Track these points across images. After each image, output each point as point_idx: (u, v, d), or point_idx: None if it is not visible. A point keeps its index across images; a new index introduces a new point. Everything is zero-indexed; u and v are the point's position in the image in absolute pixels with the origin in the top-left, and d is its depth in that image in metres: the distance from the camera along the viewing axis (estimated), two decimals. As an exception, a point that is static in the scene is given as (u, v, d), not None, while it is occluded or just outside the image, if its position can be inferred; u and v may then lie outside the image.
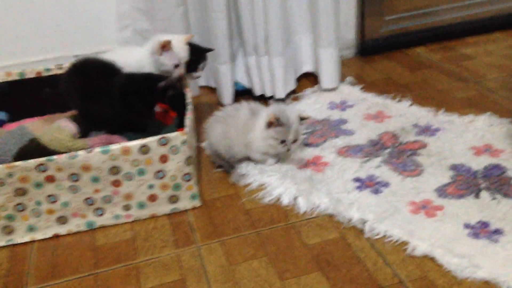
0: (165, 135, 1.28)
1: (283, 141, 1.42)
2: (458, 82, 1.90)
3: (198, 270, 1.18)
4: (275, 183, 1.44)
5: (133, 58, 1.50)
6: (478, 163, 1.41)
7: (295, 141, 1.43)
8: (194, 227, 1.32)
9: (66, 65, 1.59)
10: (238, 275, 1.16)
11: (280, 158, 1.52)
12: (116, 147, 1.26)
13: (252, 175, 1.49)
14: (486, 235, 1.16)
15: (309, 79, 2.05)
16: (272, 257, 1.20)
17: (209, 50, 1.69)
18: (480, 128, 1.57)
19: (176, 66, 1.53)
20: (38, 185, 1.26)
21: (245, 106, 1.53)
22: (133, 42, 1.93)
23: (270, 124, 1.41)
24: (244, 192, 1.44)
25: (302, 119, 1.44)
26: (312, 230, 1.27)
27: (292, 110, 1.46)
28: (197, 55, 1.61)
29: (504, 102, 1.72)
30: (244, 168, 1.52)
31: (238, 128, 1.48)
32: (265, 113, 1.44)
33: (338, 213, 1.30)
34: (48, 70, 1.70)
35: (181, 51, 1.55)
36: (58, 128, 1.36)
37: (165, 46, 1.49)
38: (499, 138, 1.51)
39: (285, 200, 1.38)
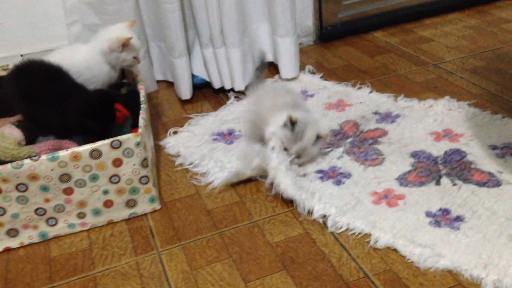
0: (117, 138, 1.22)
1: (286, 149, 1.34)
2: (417, 66, 1.90)
3: (159, 277, 1.14)
4: (237, 180, 1.40)
5: (79, 58, 1.43)
6: (438, 149, 1.41)
7: (299, 156, 1.36)
8: (154, 232, 1.27)
9: (12, 66, 1.49)
10: (201, 280, 1.12)
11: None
12: (64, 153, 1.19)
13: (213, 173, 1.45)
14: (447, 223, 1.15)
15: (269, 69, 2.00)
16: (235, 259, 1.16)
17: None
18: (439, 112, 1.57)
19: (135, 57, 1.53)
20: (-17, 198, 1.19)
21: (286, 91, 1.51)
22: (83, 37, 1.85)
23: (285, 125, 1.34)
24: (206, 191, 1.39)
25: (318, 137, 1.36)
26: (276, 227, 1.24)
27: (315, 126, 1.38)
28: None
29: (463, 84, 1.73)
30: (205, 166, 1.48)
31: (263, 107, 1.44)
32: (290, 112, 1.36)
33: (300, 204, 1.27)
34: (-9, 72, 1.60)
35: (136, 41, 1.52)
36: (1, 135, 1.27)
37: (126, 44, 1.47)
38: (458, 122, 1.51)
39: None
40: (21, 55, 1.87)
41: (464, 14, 2.29)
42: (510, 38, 2.01)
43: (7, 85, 1.39)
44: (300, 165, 1.39)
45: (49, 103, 1.33)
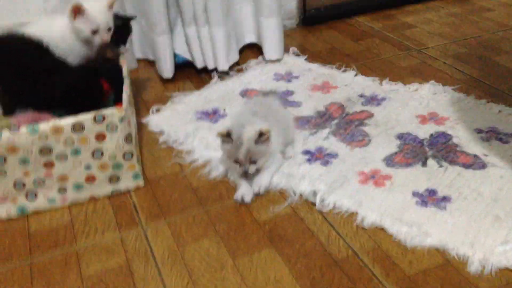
0: (100, 112, 1.18)
1: (236, 161, 1.23)
2: (401, 51, 1.91)
3: (144, 253, 1.11)
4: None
5: (55, 29, 1.37)
6: (424, 131, 1.42)
7: (253, 162, 1.23)
8: (138, 208, 1.24)
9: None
10: (187, 256, 1.09)
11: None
12: (45, 126, 1.14)
13: (198, 151, 1.42)
14: (434, 203, 1.16)
15: (252, 50, 1.98)
16: (223, 236, 1.15)
17: (131, 18, 1.56)
18: (424, 96, 1.58)
19: (94, 32, 1.38)
20: (-42, 171, 1.13)
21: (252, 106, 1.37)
22: (61, 11, 1.77)
23: (223, 141, 1.23)
24: (190, 169, 1.37)
25: (261, 135, 1.20)
26: (264, 206, 1.23)
27: (255, 126, 1.22)
28: (120, 25, 1.47)
29: (446, 70, 1.75)
30: (189, 144, 1.45)
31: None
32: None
33: (289, 187, 1.26)
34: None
35: (98, 15, 1.37)
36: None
37: (76, 10, 1.34)
38: (443, 106, 1.52)
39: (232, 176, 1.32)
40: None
41: (446, 1, 2.31)
42: (490, 26, 2.04)
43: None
44: (259, 169, 1.26)
45: (35, 77, 1.28)
